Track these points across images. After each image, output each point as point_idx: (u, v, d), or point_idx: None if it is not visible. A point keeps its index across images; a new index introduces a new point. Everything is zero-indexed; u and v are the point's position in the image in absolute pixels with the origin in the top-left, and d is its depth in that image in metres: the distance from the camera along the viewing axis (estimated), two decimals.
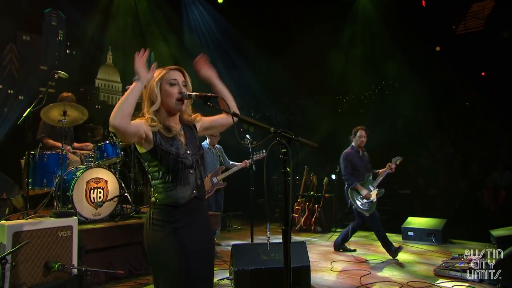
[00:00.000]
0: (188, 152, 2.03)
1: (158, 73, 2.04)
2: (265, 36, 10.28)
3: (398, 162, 5.62)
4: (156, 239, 1.95)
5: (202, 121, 2.20)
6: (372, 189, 5.55)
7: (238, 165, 6.13)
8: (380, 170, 5.68)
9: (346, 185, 5.69)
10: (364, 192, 5.49)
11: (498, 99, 9.18)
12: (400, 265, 5.05)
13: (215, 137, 6.15)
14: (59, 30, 8.08)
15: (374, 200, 5.50)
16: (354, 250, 5.82)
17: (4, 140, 6.53)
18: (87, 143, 5.57)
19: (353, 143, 5.84)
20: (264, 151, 6.09)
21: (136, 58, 1.89)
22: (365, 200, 5.50)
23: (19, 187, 5.00)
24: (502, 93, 9.20)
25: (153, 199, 2.01)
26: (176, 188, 1.96)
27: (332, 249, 5.98)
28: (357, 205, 5.49)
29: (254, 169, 5.74)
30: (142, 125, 1.92)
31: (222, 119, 2.23)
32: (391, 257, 5.37)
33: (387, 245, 5.40)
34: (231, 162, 6.26)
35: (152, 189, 2.03)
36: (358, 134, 5.78)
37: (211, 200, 6.05)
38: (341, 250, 5.86)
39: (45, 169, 4.65)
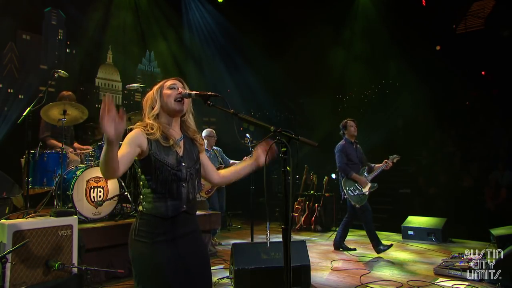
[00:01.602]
0: (183, 164, 1.98)
1: (157, 85, 2.07)
2: (265, 35, 10.28)
3: (395, 160, 5.65)
4: (141, 251, 1.89)
5: (202, 154, 2.17)
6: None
7: (239, 162, 6.10)
8: (376, 165, 5.71)
9: (340, 177, 5.72)
10: (362, 180, 5.53)
11: (498, 98, 9.18)
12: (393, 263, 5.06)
13: (212, 137, 6.16)
14: (59, 29, 8.07)
15: (367, 193, 5.54)
16: (354, 249, 5.82)
17: (4, 139, 6.52)
18: (88, 146, 5.55)
19: (345, 136, 5.86)
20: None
21: (102, 113, 1.55)
22: (357, 192, 5.52)
23: (19, 186, 5.00)
24: (502, 92, 9.19)
25: (140, 207, 1.95)
26: (166, 200, 1.91)
27: (332, 248, 5.98)
28: (349, 194, 5.52)
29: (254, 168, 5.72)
30: (135, 145, 1.86)
31: (210, 173, 2.20)
32: (380, 255, 5.47)
33: (375, 240, 5.50)
34: (231, 161, 6.24)
35: (141, 197, 1.97)
36: (348, 124, 5.84)
37: (214, 200, 6.04)
38: (341, 249, 5.85)
39: (45, 168, 4.66)
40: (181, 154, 2.00)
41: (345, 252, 5.76)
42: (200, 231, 2.12)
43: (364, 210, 5.54)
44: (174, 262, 1.88)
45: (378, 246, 5.47)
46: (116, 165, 1.70)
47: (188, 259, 1.93)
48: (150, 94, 2.05)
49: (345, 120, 5.93)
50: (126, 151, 1.82)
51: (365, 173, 5.69)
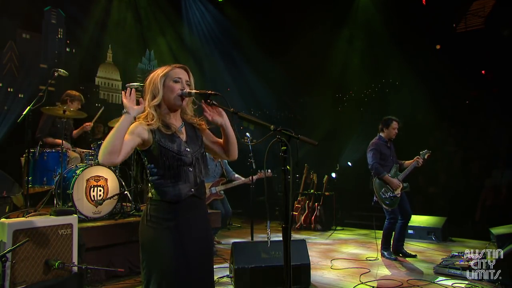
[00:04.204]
0: (188, 149, 2.02)
1: (163, 69, 2.05)
2: (266, 34, 10.27)
3: (426, 156, 5.29)
4: (151, 235, 1.94)
5: (206, 134, 2.18)
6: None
7: (242, 180, 6.03)
8: (406, 162, 5.36)
9: (372, 177, 5.29)
10: (394, 183, 5.12)
11: (498, 97, 9.17)
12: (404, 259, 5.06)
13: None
14: (59, 28, 8.07)
15: (398, 195, 5.17)
16: (415, 256, 5.37)
17: (4, 138, 6.52)
18: (86, 124, 5.53)
19: (381, 134, 5.45)
20: (269, 170, 6.01)
21: (123, 97, 1.89)
22: (389, 194, 5.15)
23: (19, 185, 5.00)
24: (502, 92, 9.19)
25: (150, 194, 2.01)
26: (174, 185, 1.95)
27: (332, 247, 5.99)
28: (380, 197, 5.16)
29: (254, 167, 5.72)
30: (135, 134, 1.90)
31: (221, 149, 2.17)
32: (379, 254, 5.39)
33: (386, 244, 5.33)
34: (236, 175, 6.18)
35: (149, 185, 2.01)
36: (392, 125, 5.36)
37: (218, 206, 6.01)
38: (400, 255, 5.35)
39: (45, 167, 4.67)
40: (184, 139, 2.05)
41: (346, 251, 5.76)
42: (208, 216, 2.17)
43: (393, 216, 5.23)
44: (181, 248, 1.92)
45: (385, 250, 5.33)
46: (120, 146, 1.78)
47: (194, 245, 1.97)
48: (154, 77, 2.03)
49: (389, 117, 5.43)
50: (126, 139, 1.85)
51: (396, 170, 5.31)
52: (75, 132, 5.59)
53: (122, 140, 1.79)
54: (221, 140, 2.16)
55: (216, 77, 10.80)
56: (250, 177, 5.61)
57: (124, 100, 1.87)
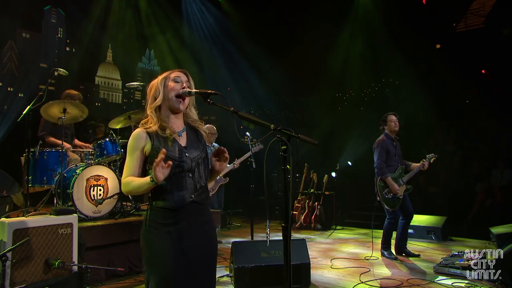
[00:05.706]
0: (187, 155, 2.00)
1: (163, 74, 2.09)
2: (266, 34, 10.27)
3: (432, 160, 5.29)
4: (151, 239, 1.95)
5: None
6: (401, 183, 5.22)
7: (228, 167, 5.94)
8: (413, 165, 5.37)
9: (376, 176, 5.28)
10: (394, 187, 5.13)
11: (498, 96, 9.17)
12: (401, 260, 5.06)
13: (212, 134, 6.14)
14: (58, 27, 8.07)
15: (401, 197, 5.19)
16: (418, 255, 5.36)
17: (4, 138, 6.52)
18: (87, 144, 5.53)
19: (385, 131, 5.44)
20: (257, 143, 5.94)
21: (157, 165, 1.76)
22: (391, 194, 5.17)
23: (19, 185, 5.00)
24: (502, 91, 9.19)
25: (150, 200, 2.01)
26: (173, 192, 1.94)
27: (332, 246, 5.98)
28: (383, 197, 5.17)
29: (254, 166, 5.72)
30: (138, 151, 1.96)
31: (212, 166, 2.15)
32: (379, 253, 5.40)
33: (386, 244, 5.34)
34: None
35: (151, 191, 2.00)
36: (388, 119, 5.40)
37: (214, 199, 6.03)
38: (403, 254, 5.36)
39: (45, 166, 4.65)
40: (184, 144, 2.03)
41: (346, 250, 5.76)
42: (213, 222, 2.15)
43: (393, 216, 5.25)
44: (180, 253, 1.92)
45: (385, 250, 5.34)
46: (139, 193, 2.00)
47: (195, 251, 1.96)
48: (155, 82, 2.07)
49: (386, 114, 5.49)
50: (135, 164, 1.97)
51: (401, 171, 5.28)
52: (78, 143, 5.55)
53: (140, 192, 1.96)
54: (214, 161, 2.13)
55: (216, 76, 10.80)
56: (236, 161, 5.72)
57: (156, 169, 1.76)
